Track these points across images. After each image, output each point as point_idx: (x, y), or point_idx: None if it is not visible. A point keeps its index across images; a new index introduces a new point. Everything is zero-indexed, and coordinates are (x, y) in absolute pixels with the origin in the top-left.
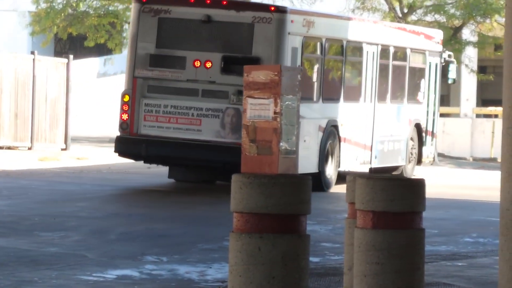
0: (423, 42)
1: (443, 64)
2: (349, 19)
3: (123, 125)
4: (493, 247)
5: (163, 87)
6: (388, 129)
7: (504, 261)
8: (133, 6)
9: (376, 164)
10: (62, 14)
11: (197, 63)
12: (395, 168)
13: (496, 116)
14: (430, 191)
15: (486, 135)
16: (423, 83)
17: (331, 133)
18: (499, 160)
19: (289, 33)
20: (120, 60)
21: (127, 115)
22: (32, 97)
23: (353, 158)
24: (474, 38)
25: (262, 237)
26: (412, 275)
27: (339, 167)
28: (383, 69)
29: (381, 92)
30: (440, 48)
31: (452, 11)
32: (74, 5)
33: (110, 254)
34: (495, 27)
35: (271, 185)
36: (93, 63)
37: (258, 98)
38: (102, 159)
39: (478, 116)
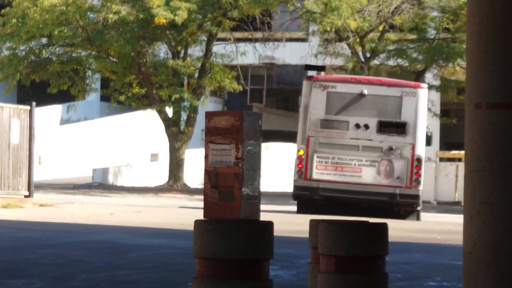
0: None
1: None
2: None
3: (299, 172)
4: None
5: (331, 144)
6: None
7: None
8: (305, 83)
9: None
10: (25, 61)
11: (358, 126)
12: None
13: (459, 159)
14: (394, 235)
15: (450, 179)
16: None
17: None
18: (463, 203)
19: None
20: (83, 106)
21: (302, 165)
22: None
23: None
24: (437, 82)
25: (224, 283)
26: None
27: None
28: None
29: None
30: None
31: (414, 55)
32: (37, 52)
33: None
34: (458, 70)
35: (233, 230)
36: (56, 110)
37: (220, 143)
38: (65, 206)
39: (441, 159)
